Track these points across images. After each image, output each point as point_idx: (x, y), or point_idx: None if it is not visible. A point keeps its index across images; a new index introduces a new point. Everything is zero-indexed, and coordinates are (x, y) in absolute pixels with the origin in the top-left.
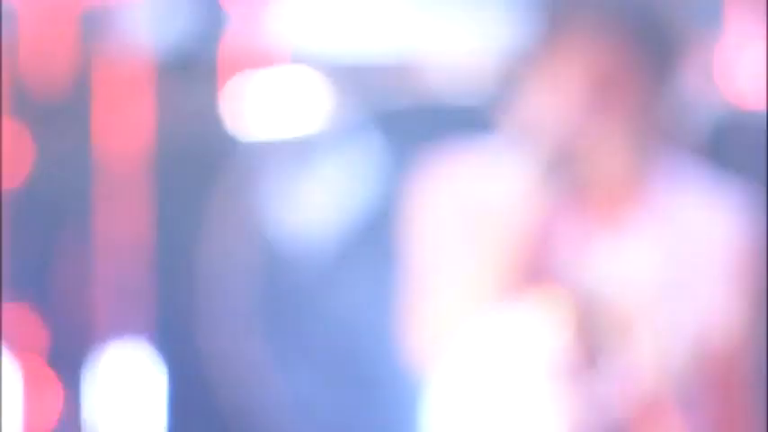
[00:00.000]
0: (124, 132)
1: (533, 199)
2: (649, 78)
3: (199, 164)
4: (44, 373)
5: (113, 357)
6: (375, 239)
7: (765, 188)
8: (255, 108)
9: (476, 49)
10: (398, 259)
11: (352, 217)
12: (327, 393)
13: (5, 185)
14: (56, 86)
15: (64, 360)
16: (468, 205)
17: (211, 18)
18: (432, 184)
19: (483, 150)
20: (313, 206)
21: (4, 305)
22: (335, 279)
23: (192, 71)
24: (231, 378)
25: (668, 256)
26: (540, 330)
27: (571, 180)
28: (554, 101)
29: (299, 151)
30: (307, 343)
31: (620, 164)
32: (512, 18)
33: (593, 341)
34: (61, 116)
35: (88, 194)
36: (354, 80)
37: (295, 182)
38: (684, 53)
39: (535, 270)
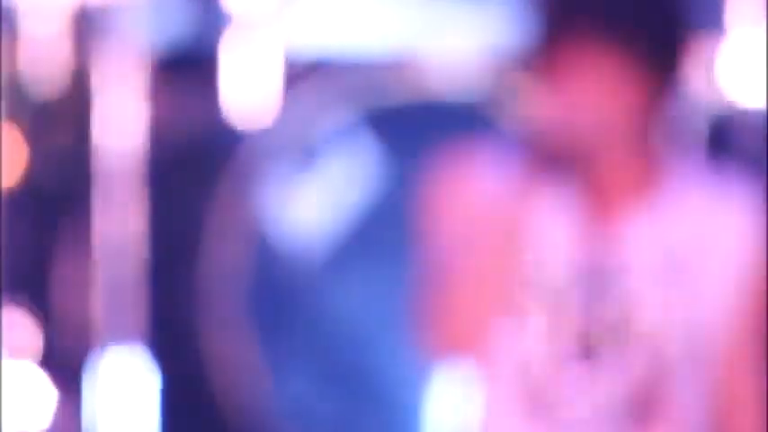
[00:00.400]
0: (122, 132)
1: (535, 199)
2: (650, 79)
3: (196, 165)
4: (39, 377)
5: (109, 361)
6: (374, 238)
7: (766, 188)
8: (254, 107)
9: (474, 47)
10: (408, 258)
11: (351, 216)
12: (327, 397)
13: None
14: (54, 85)
15: (59, 363)
16: (477, 205)
17: (211, 17)
18: (440, 184)
19: (488, 149)
20: (311, 206)
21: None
22: (333, 279)
23: (190, 70)
24: (228, 382)
25: (671, 255)
26: (541, 328)
27: (572, 180)
28: (553, 102)
29: (298, 150)
30: (304, 345)
31: (622, 164)
32: (511, 16)
33: (593, 339)
34: (58, 116)
35: (85, 195)
36: (352, 78)
37: (294, 181)
38: (685, 54)
39: (536, 268)
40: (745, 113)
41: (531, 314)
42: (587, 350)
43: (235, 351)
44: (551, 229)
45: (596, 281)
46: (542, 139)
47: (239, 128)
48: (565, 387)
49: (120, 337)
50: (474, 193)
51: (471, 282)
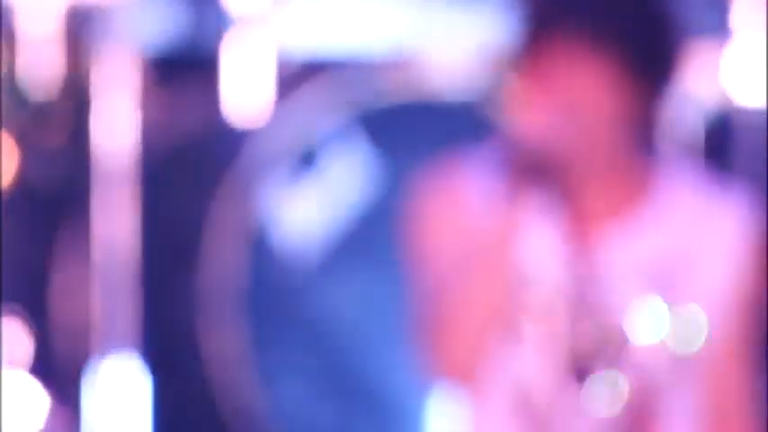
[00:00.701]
0: (119, 134)
1: (522, 214)
2: (641, 85)
3: (192, 167)
4: (33, 386)
5: (105, 369)
6: (370, 239)
7: (766, 188)
8: (252, 107)
9: (470, 46)
10: (403, 272)
11: (348, 217)
12: (324, 403)
13: None
14: (51, 87)
15: (54, 372)
16: (465, 224)
17: (209, 18)
18: (426, 205)
19: (474, 164)
20: (309, 207)
21: None
22: (330, 281)
23: (187, 71)
24: (226, 388)
25: (660, 269)
26: (534, 348)
27: (559, 192)
28: (542, 107)
29: (295, 151)
30: (301, 350)
31: (611, 174)
32: (505, 16)
33: (585, 357)
34: (55, 117)
35: (82, 198)
36: (349, 78)
37: (291, 182)
38: (678, 59)
39: (525, 287)
40: (745, 113)
41: (523, 334)
42: (579, 367)
43: (232, 356)
44: (539, 245)
45: (585, 298)
46: (531, 148)
47: (236, 128)
48: (559, 407)
49: (115, 344)
50: (461, 212)
51: (463, 305)
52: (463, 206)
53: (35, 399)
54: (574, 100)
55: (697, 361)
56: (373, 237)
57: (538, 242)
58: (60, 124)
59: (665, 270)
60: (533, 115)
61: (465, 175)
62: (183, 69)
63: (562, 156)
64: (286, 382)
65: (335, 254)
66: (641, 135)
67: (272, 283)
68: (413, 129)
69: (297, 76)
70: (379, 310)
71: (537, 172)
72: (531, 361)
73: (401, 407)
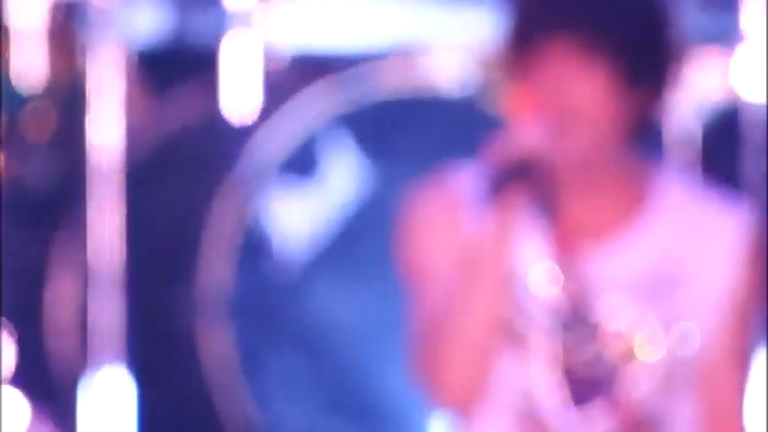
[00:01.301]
0: (110, 131)
1: (514, 231)
2: (640, 90)
3: (187, 166)
4: (17, 399)
5: (92, 382)
6: (367, 239)
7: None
8: (244, 105)
9: (466, 42)
10: (398, 276)
11: (343, 217)
12: (322, 412)
13: None
14: (44, 84)
15: (41, 384)
16: (461, 231)
17: (205, 13)
18: (424, 210)
19: (472, 170)
20: (305, 207)
21: None
22: (324, 282)
23: (181, 68)
24: (219, 395)
25: (664, 270)
26: (532, 365)
27: (556, 198)
28: (534, 114)
29: (288, 149)
30: (293, 354)
31: (610, 178)
32: (499, 13)
33: (584, 364)
34: (47, 113)
35: (73, 196)
36: (343, 75)
37: (286, 182)
38: (680, 61)
39: (524, 295)
40: (752, 111)
41: (520, 349)
42: (577, 380)
43: (223, 361)
44: (532, 257)
45: (581, 310)
46: (525, 155)
47: (230, 128)
48: (558, 421)
49: (106, 351)
50: (454, 225)
51: (458, 323)
52: (457, 219)
53: (20, 411)
54: (570, 105)
55: (694, 371)
56: (370, 235)
57: (531, 254)
58: (52, 121)
59: (662, 279)
60: (528, 122)
61: (459, 186)
62: (176, 67)
63: (556, 163)
64: (280, 389)
65: (332, 254)
66: (639, 141)
67: (265, 286)
68: (410, 125)
69: (293, 75)
70: (376, 313)
71: (530, 180)
72: (528, 375)
73: (401, 412)
